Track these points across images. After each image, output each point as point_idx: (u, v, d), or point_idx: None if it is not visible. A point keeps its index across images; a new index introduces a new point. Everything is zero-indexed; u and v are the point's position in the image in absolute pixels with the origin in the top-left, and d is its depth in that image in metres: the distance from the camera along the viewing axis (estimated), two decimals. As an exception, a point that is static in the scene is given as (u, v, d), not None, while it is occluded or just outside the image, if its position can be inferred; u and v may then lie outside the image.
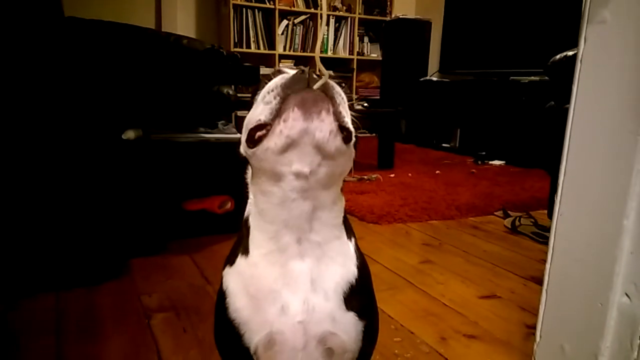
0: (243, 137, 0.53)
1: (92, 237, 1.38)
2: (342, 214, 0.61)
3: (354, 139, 0.52)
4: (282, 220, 0.55)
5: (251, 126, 0.50)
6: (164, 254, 1.60)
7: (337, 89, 0.50)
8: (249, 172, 0.60)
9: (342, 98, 0.50)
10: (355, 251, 0.63)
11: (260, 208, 0.57)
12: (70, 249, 1.33)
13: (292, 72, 0.57)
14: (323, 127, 0.48)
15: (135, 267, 1.48)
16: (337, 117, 0.49)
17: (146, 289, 1.34)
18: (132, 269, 1.47)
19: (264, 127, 0.49)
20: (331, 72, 0.59)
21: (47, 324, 1.13)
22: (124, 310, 1.22)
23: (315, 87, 0.48)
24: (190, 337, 1.10)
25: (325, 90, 0.49)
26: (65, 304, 1.23)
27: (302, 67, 0.50)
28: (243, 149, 0.53)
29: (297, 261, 0.57)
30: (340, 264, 0.59)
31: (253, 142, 0.50)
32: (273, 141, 0.49)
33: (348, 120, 0.50)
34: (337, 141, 0.49)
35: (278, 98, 0.48)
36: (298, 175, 0.51)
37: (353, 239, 0.63)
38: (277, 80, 0.50)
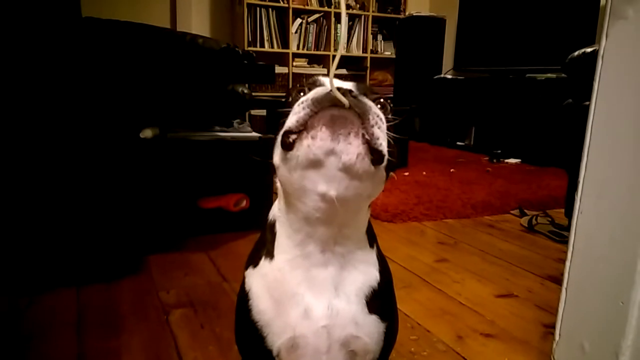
0: (277, 147, 0.51)
1: (111, 234, 1.40)
2: (367, 226, 0.61)
3: (385, 162, 0.49)
4: (307, 232, 0.55)
5: (283, 132, 0.49)
6: (180, 251, 1.62)
7: (374, 109, 0.48)
8: (278, 182, 0.59)
9: (379, 118, 0.48)
10: (378, 256, 0.63)
11: (289, 218, 0.57)
12: (90, 244, 1.35)
13: (327, 81, 0.55)
14: (350, 149, 0.46)
15: (153, 263, 1.50)
16: (369, 138, 0.46)
17: (164, 285, 1.36)
18: (149, 265, 1.49)
19: (293, 134, 0.48)
20: (371, 87, 0.58)
21: (68, 318, 1.15)
22: (142, 306, 1.23)
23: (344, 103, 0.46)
24: (207, 333, 1.11)
25: (361, 109, 0.47)
26: (85, 299, 1.26)
27: (339, 87, 0.48)
28: (278, 157, 0.51)
29: (320, 268, 0.57)
30: (362, 271, 0.60)
31: (287, 146, 0.48)
32: (301, 151, 0.47)
33: (381, 142, 0.47)
34: (364, 164, 0.47)
35: (307, 109, 0.47)
36: (324, 197, 0.49)
37: (375, 245, 0.64)
38: (310, 94, 0.49)
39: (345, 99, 0.47)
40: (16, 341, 1.07)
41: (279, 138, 0.50)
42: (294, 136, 0.47)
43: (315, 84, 0.55)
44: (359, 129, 0.46)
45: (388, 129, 0.49)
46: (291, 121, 0.48)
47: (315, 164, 0.47)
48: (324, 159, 0.47)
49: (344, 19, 0.54)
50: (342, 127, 0.46)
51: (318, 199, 0.50)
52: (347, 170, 0.47)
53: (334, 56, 4.78)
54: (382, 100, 0.55)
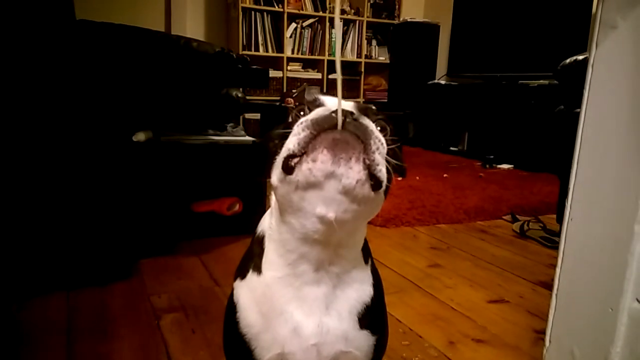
0: (277, 171, 0.50)
1: (103, 238, 1.39)
2: (362, 244, 0.61)
3: (384, 187, 0.48)
4: (302, 253, 0.55)
5: (284, 155, 0.48)
6: (172, 255, 1.61)
7: (376, 133, 0.48)
8: (273, 197, 0.59)
9: (381, 143, 0.47)
10: (372, 272, 0.63)
11: (283, 237, 0.55)
12: (81, 249, 1.35)
13: (327, 100, 0.55)
14: (350, 174, 0.45)
15: (145, 267, 1.49)
16: (369, 164, 0.46)
17: (156, 289, 1.35)
18: (141, 269, 1.48)
19: (295, 157, 0.47)
20: (372, 107, 0.57)
21: (58, 323, 1.14)
22: (134, 310, 1.23)
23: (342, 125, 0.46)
24: (199, 337, 1.10)
25: (362, 133, 0.46)
26: (76, 303, 1.25)
27: (341, 108, 0.47)
28: (276, 177, 0.50)
29: (312, 287, 0.56)
30: (356, 289, 0.59)
31: (289, 170, 0.48)
32: (301, 175, 0.47)
33: (381, 168, 0.47)
34: (364, 190, 0.46)
35: (307, 131, 0.46)
36: (322, 219, 0.49)
37: (370, 260, 0.63)
38: (310, 115, 0.48)
39: (347, 121, 0.46)
40: (6, 346, 1.06)
41: (280, 160, 0.49)
42: (295, 160, 0.47)
43: (315, 103, 0.55)
44: (360, 153, 0.46)
45: (388, 152, 0.49)
46: (292, 143, 0.47)
47: (314, 185, 0.47)
48: (324, 181, 0.46)
49: (339, 37, 0.54)
50: (343, 150, 0.45)
51: (316, 220, 0.50)
52: (347, 193, 0.47)
53: (329, 61, 4.79)
54: (382, 122, 0.54)
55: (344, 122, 0.46)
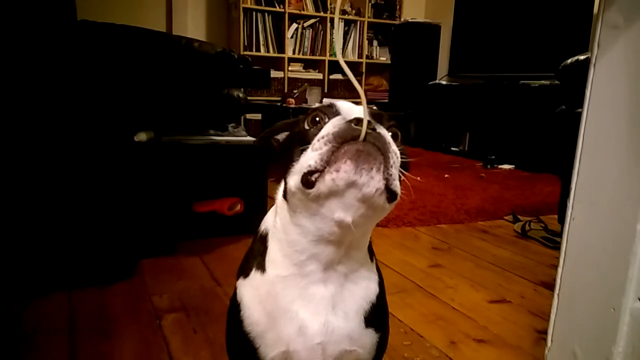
0: (295, 178, 0.51)
1: (104, 238, 1.39)
2: (368, 243, 0.62)
3: (398, 199, 0.51)
4: (312, 254, 0.55)
5: (304, 171, 0.49)
6: (174, 255, 1.61)
7: (393, 146, 0.50)
8: (278, 196, 0.59)
9: (397, 156, 0.50)
10: (377, 269, 0.64)
11: (291, 238, 0.56)
12: (82, 249, 1.35)
13: (343, 105, 0.56)
14: (371, 183, 0.48)
15: (146, 267, 1.49)
16: (387, 177, 0.48)
17: (157, 289, 1.35)
18: (142, 269, 1.48)
19: (315, 173, 0.48)
20: (374, 107, 0.58)
21: (60, 323, 1.14)
22: (135, 310, 1.23)
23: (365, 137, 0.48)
24: (200, 337, 1.10)
25: (382, 145, 0.48)
26: (77, 303, 1.25)
27: (358, 118, 0.49)
28: (295, 186, 0.52)
29: (319, 286, 0.57)
30: (363, 287, 0.60)
31: (309, 185, 0.49)
32: (324, 187, 0.48)
33: (397, 183, 0.50)
34: (381, 199, 0.49)
35: (329, 145, 0.48)
36: (340, 223, 0.51)
37: (374, 259, 0.64)
38: (329, 128, 0.50)
39: (367, 132, 0.48)
40: (7, 346, 1.06)
41: (299, 173, 0.50)
42: (316, 175, 0.48)
43: (331, 109, 0.55)
44: (381, 164, 0.48)
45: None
46: (314, 159, 0.48)
47: (336, 194, 0.49)
48: (345, 189, 0.48)
49: (337, 24, 0.54)
50: (365, 161, 0.47)
51: (334, 224, 0.52)
52: (365, 201, 0.49)
53: (330, 62, 4.79)
54: (395, 128, 0.56)
55: (364, 132, 0.47)
